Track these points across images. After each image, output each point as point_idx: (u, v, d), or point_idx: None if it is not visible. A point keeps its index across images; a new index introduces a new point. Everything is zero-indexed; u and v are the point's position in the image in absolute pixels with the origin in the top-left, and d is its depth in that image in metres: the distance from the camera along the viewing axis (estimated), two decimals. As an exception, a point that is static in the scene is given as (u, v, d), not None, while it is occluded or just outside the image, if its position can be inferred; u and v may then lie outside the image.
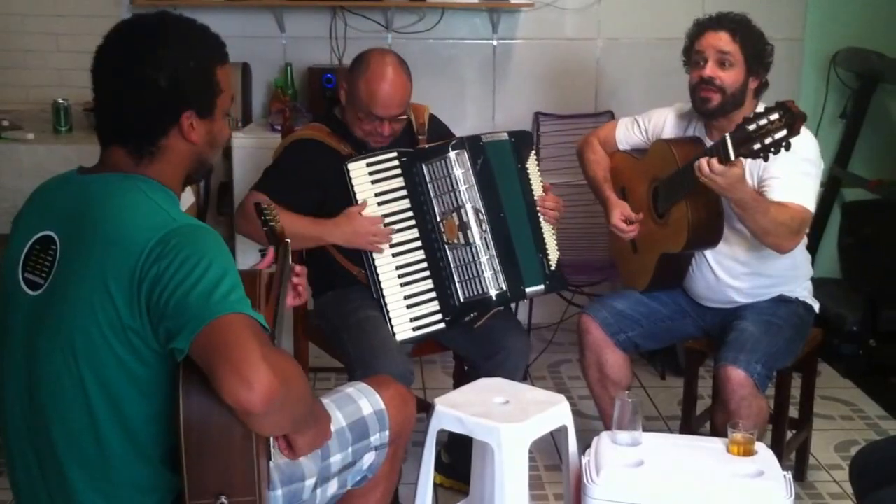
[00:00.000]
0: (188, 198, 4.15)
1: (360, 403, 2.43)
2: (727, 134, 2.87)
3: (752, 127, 2.79)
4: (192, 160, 2.07)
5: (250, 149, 4.35)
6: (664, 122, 3.41)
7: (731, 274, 3.25)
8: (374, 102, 3.13)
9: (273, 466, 2.17)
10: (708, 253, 3.25)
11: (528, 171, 3.33)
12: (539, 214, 3.32)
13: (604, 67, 4.97)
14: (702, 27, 3.19)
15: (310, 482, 2.26)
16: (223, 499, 1.83)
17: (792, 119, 2.74)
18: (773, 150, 2.78)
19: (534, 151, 3.39)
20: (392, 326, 3.15)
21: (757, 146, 2.78)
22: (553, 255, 3.34)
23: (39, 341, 1.92)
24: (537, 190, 3.34)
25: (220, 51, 2.06)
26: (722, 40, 3.13)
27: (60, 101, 4.36)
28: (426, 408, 2.87)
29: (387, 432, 2.45)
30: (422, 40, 4.79)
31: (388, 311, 3.17)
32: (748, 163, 3.04)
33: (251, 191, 3.21)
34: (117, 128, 2.01)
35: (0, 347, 2.02)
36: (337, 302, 3.25)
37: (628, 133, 3.52)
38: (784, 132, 2.75)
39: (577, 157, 3.68)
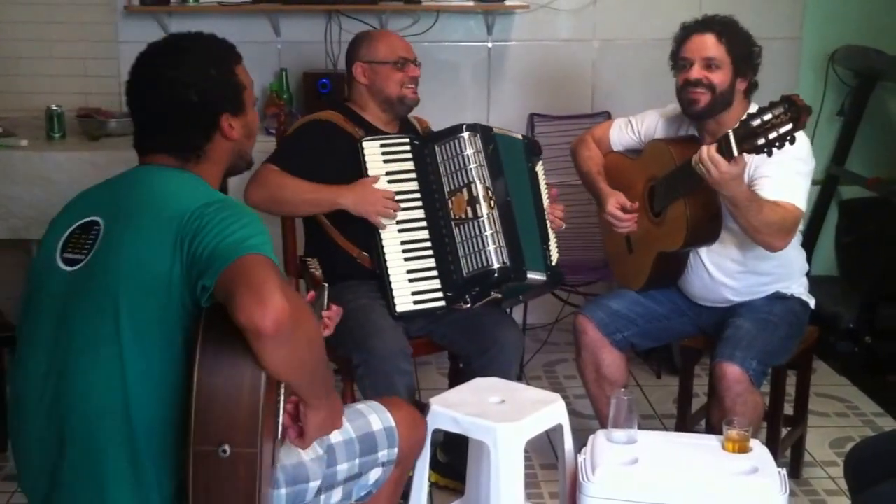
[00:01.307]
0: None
1: (369, 418, 2.46)
2: (730, 130, 2.85)
3: (755, 122, 2.77)
4: (233, 155, 2.25)
5: (246, 153, 4.36)
6: (657, 123, 3.43)
7: (725, 273, 3.26)
8: (397, 47, 3.45)
9: (279, 467, 2.20)
10: (703, 252, 3.26)
11: (538, 174, 3.44)
12: (546, 215, 3.41)
13: (599, 69, 4.98)
14: (688, 31, 3.21)
15: (314, 485, 2.28)
16: (225, 446, 1.88)
17: (797, 112, 2.72)
18: (777, 144, 2.76)
19: (541, 161, 3.49)
20: (393, 298, 3.23)
21: (761, 141, 2.77)
22: (554, 253, 3.40)
23: (77, 308, 2.01)
24: (544, 194, 3.44)
25: (233, 51, 2.25)
26: (708, 43, 3.14)
27: (54, 107, 4.37)
28: (422, 408, 2.86)
29: (395, 449, 2.47)
30: (417, 43, 4.75)
31: (390, 283, 3.24)
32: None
33: (266, 163, 3.30)
34: (163, 144, 2.17)
35: (28, 326, 2.10)
36: (333, 296, 3.27)
37: (622, 134, 3.53)
38: (789, 126, 2.73)
39: (570, 156, 3.69)
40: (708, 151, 2.87)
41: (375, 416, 2.47)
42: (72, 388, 2.00)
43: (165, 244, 1.96)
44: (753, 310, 3.23)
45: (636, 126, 3.49)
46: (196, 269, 1.92)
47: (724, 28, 3.16)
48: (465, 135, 3.27)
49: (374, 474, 2.45)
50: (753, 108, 3.01)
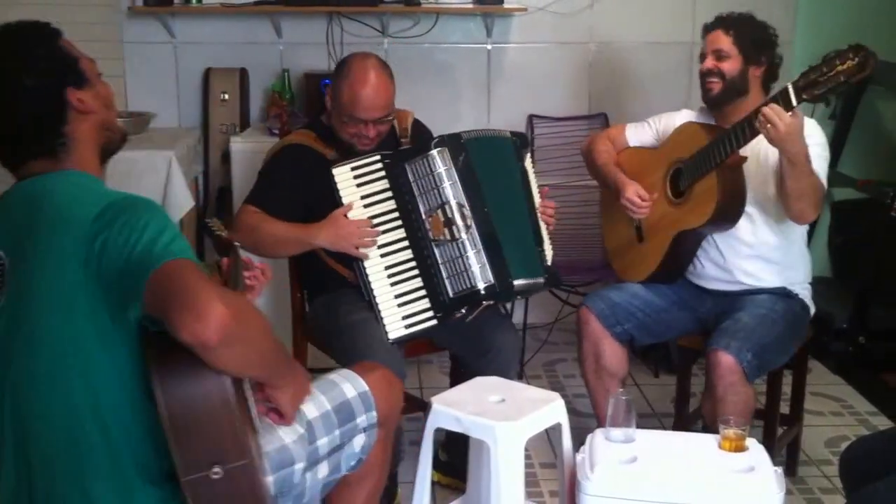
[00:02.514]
0: (188, 202, 4.17)
1: (343, 387, 2.45)
2: (789, 84, 2.97)
3: (816, 74, 2.90)
4: (99, 130, 2.12)
5: (248, 153, 4.37)
6: (675, 121, 3.51)
7: (737, 254, 3.34)
8: (356, 106, 3.20)
9: (263, 454, 2.17)
10: (716, 237, 3.34)
11: (527, 170, 3.35)
12: (538, 214, 3.34)
13: (597, 71, 5.01)
14: (705, 30, 3.39)
15: (299, 466, 2.28)
16: (216, 468, 1.83)
17: (865, 57, 2.83)
18: (840, 90, 2.89)
19: (529, 155, 3.41)
20: (384, 326, 3.16)
21: (822, 90, 2.89)
22: (548, 252, 3.35)
23: (14, 353, 1.92)
24: (535, 191, 3.37)
25: (49, 27, 2.11)
26: (717, 38, 3.32)
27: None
28: (423, 407, 2.88)
29: (374, 412, 2.46)
30: (417, 45, 4.82)
31: (379, 311, 3.17)
32: (765, 148, 3.17)
33: (245, 204, 3.27)
34: (24, 147, 2.05)
35: None
36: (327, 307, 3.28)
37: (638, 132, 3.63)
38: (856, 71, 2.84)
39: (583, 156, 3.74)
40: (775, 110, 2.96)
41: (348, 384, 2.46)
42: (33, 431, 1.92)
43: (75, 268, 1.85)
44: (755, 305, 3.26)
45: (654, 125, 3.59)
46: (116, 292, 1.83)
47: (733, 21, 3.33)
48: (434, 152, 3.14)
49: (359, 441, 2.45)
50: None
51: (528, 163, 3.37)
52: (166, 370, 1.81)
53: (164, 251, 1.81)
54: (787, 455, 3.64)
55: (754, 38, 3.31)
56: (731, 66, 3.29)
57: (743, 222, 3.29)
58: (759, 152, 3.22)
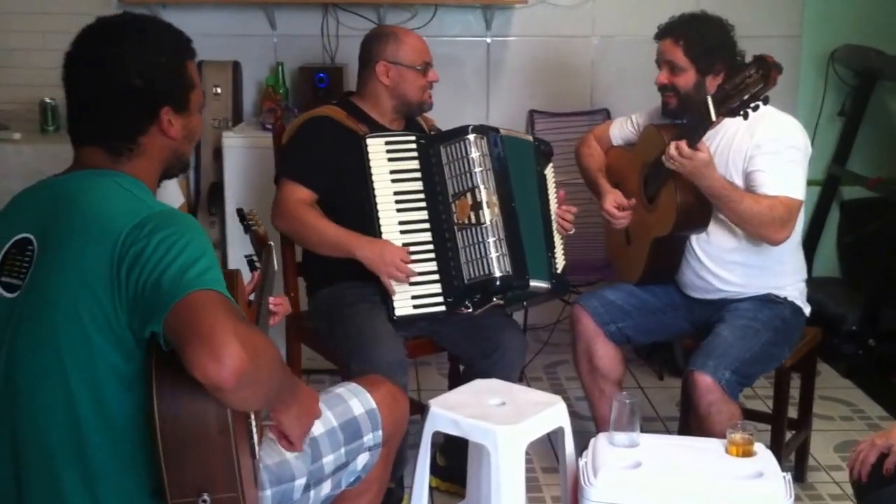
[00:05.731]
0: (178, 198, 4.13)
1: (350, 403, 2.41)
2: (708, 95, 2.90)
3: (729, 85, 2.83)
4: (170, 155, 2.09)
5: (241, 148, 4.33)
6: (654, 116, 3.45)
7: (717, 262, 3.25)
8: (423, 51, 3.40)
9: (262, 467, 2.14)
10: (694, 242, 3.26)
11: (546, 177, 3.38)
12: (553, 221, 3.36)
13: (599, 65, 4.95)
14: (656, 36, 3.29)
15: (300, 482, 2.24)
16: (205, 496, 1.79)
17: (767, 69, 2.77)
18: (751, 105, 2.81)
19: (551, 164, 3.43)
20: (392, 301, 3.17)
21: (736, 103, 2.82)
22: (560, 260, 3.35)
23: (20, 342, 1.89)
24: (553, 198, 3.38)
25: (188, 46, 2.10)
26: (667, 48, 3.23)
27: (48, 100, 4.32)
28: (421, 409, 2.85)
29: (380, 432, 2.43)
30: (415, 38, 4.75)
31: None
32: (731, 155, 3.12)
33: (283, 180, 3.27)
34: (96, 130, 2.02)
35: None
36: (331, 299, 3.27)
37: (622, 129, 3.58)
38: (761, 85, 2.78)
39: (574, 156, 3.72)
40: (679, 148, 2.94)
41: (356, 400, 2.42)
42: (23, 423, 1.89)
43: (101, 273, 1.82)
44: (738, 315, 3.20)
45: (636, 120, 3.54)
46: (139, 309, 1.79)
47: (683, 30, 3.20)
48: (471, 137, 3.20)
49: (362, 460, 2.41)
50: None
51: (549, 170, 3.41)
52: (166, 385, 1.78)
53: (197, 279, 1.77)
54: (796, 460, 3.60)
55: (708, 46, 3.17)
56: (685, 81, 3.18)
57: (720, 229, 3.21)
58: (724, 157, 3.14)
